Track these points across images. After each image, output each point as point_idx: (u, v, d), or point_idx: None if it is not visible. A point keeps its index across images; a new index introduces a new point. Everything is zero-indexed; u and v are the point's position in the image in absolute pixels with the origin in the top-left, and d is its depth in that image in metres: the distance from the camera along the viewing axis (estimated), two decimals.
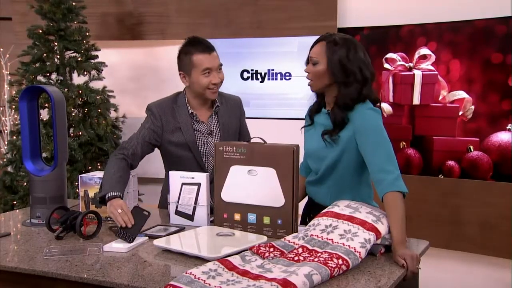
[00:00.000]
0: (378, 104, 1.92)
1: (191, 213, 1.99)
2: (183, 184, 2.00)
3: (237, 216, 1.89)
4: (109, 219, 2.04)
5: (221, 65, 2.14)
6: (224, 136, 2.20)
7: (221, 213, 1.93)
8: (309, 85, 1.93)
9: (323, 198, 1.94)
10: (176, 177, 2.01)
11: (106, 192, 1.92)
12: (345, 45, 1.84)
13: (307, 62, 1.93)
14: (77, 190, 3.33)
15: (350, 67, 1.82)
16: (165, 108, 2.17)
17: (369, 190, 1.94)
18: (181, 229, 1.92)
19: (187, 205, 1.99)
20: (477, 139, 3.13)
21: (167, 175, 2.16)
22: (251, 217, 1.87)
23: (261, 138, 1.92)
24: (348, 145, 1.84)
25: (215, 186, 1.93)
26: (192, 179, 1.99)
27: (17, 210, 2.39)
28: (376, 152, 1.77)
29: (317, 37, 1.96)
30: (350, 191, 1.89)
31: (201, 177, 1.98)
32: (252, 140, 1.95)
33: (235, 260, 1.50)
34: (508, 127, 3.02)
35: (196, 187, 1.98)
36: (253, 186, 1.85)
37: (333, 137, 1.85)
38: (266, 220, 1.84)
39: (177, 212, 2.02)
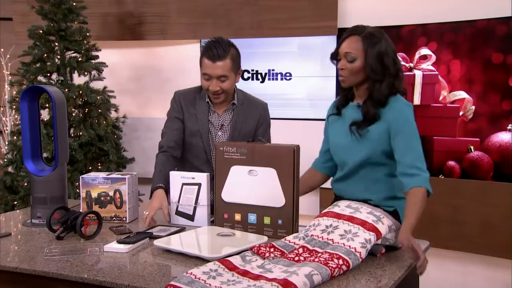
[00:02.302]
0: (405, 96, 1.87)
1: (191, 213, 1.99)
2: (183, 184, 2.00)
3: (237, 216, 1.89)
4: (114, 219, 2.05)
5: (223, 76, 2.12)
6: (233, 135, 2.21)
7: (222, 213, 1.93)
8: (341, 81, 1.86)
9: (352, 192, 1.86)
10: (177, 177, 2.01)
11: (152, 189, 2.08)
12: (382, 38, 1.79)
13: (336, 58, 1.86)
14: (77, 190, 3.33)
15: (387, 60, 1.78)
16: (188, 95, 2.25)
17: (399, 182, 1.86)
18: (182, 229, 1.92)
19: (188, 205, 1.99)
20: (478, 139, 3.13)
21: None
22: (252, 217, 1.87)
23: (261, 139, 1.92)
24: (380, 139, 1.80)
25: (215, 186, 1.93)
26: (192, 179, 1.99)
27: (18, 210, 2.39)
28: (409, 150, 1.76)
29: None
30: (383, 183, 1.84)
31: (202, 177, 1.98)
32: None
33: (236, 260, 1.50)
34: (508, 127, 3.02)
35: (196, 187, 1.98)
36: (254, 186, 1.85)
37: (362, 130, 1.81)
38: (267, 220, 1.84)
39: (178, 212, 2.02)
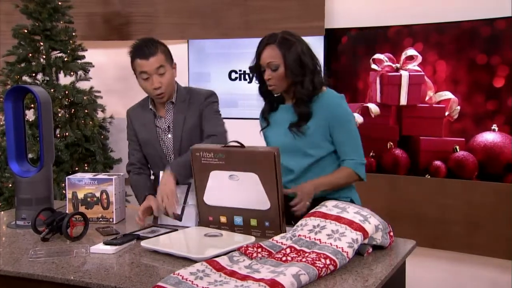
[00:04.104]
0: (325, 87, 1.98)
1: (179, 213, 1.98)
2: None
3: (223, 219, 1.88)
4: (101, 220, 2.03)
5: (161, 66, 2.09)
6: (176, 133, 2.16)
7: (206, 216, 1.91)
8: (272, 89, 1.97)
9: None
10: None
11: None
12: (296, 42, 1.90)
13: (259, 70, 1.95)
14: (63, 191, 3.30)
15: (305, 59, 1.89)
16: (136, 109, 2.28)
17: None
18: (171, 231, 1.90)
19: (176, 205, 1.98)
20: (463, 139, 3.16)
21: None
22: (238, 220, 1.86)
23: (238, 142, 1.82)
24: (320, 134, 1.90)
25: (196, 192, 1.90)
26: None
27: (2, 212, 2.36)
28: (347, 142, 1.91)
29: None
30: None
31: None
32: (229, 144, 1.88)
33: (223, 261, 1.50)
34: (493, 127, 3.06)
35: (186, 186, 1.97)
36: (237, 190, 1.82)
37: (301, 128, 1.90)
38: (253, 222, 1.83)
39: (166, 212, 2.00)
